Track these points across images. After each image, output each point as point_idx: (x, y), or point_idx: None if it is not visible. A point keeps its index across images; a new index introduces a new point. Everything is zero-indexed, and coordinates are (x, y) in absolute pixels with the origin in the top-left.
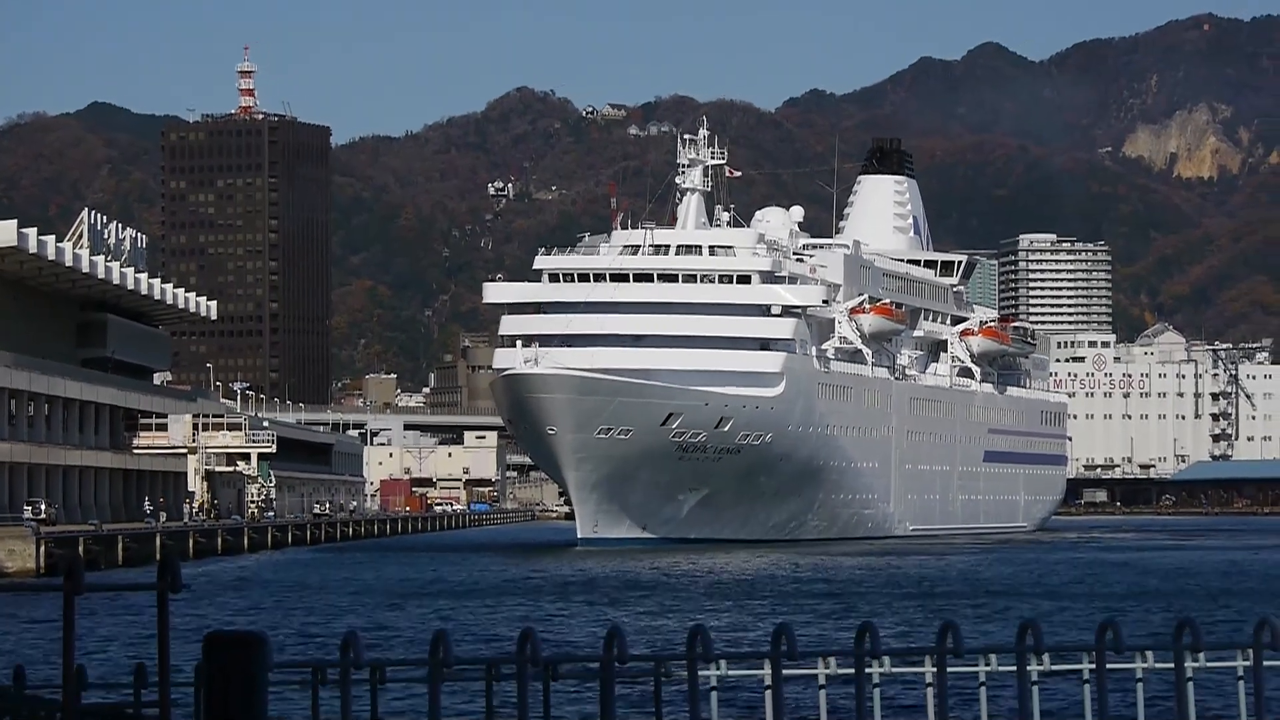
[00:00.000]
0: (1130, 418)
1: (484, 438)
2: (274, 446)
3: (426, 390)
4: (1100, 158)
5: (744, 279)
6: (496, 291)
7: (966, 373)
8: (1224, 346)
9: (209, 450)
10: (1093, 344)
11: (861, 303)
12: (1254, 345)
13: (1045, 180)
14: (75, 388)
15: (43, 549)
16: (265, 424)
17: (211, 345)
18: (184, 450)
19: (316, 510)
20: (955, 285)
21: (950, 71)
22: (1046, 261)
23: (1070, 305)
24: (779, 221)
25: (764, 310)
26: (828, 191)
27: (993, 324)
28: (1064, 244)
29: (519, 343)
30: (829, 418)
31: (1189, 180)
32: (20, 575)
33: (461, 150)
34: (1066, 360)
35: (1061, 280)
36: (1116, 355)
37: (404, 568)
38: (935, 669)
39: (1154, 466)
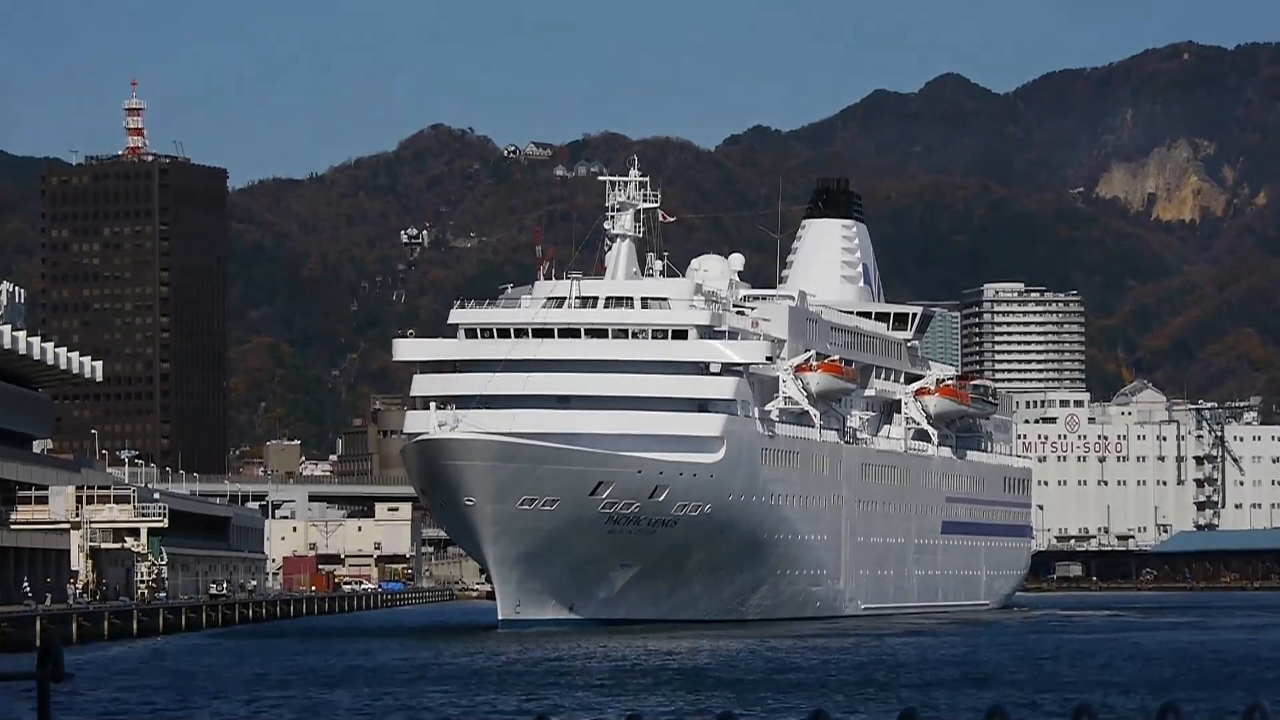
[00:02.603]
0: (1106, 484)
1: (397, 509)
2: (166, 520)
3: (333, 458)
4: (1071, 199)
5: (680, 334)
6: (408, 349)
7: (922, 435)
8: (1209, 406)
9: (94, 525)
10: (1064, 403)
11: (808, 360)
12: (1241, 404)
13: (1011, 224)
14: None
15: None
16: (156, 496)
17: (97, 409)
18: (66, 525)
19: (213, 590)
20: (910, 340)
21: (906, 105)
22: (1013, 313)
23: (1040, 361)
24: (718, 270)
25: (702, 368)
26: (771, 237)
27: (950, 382)
28: (1032, 294)
29: (433, 405)
30: (773, 486)
31: (1169, 223)
32: None
33: (371, 194)
34: (1036, 421)
35: (1030, 334)
36: (1091, 415)
37: (311, 654)
38: None
39: (1133, 537)
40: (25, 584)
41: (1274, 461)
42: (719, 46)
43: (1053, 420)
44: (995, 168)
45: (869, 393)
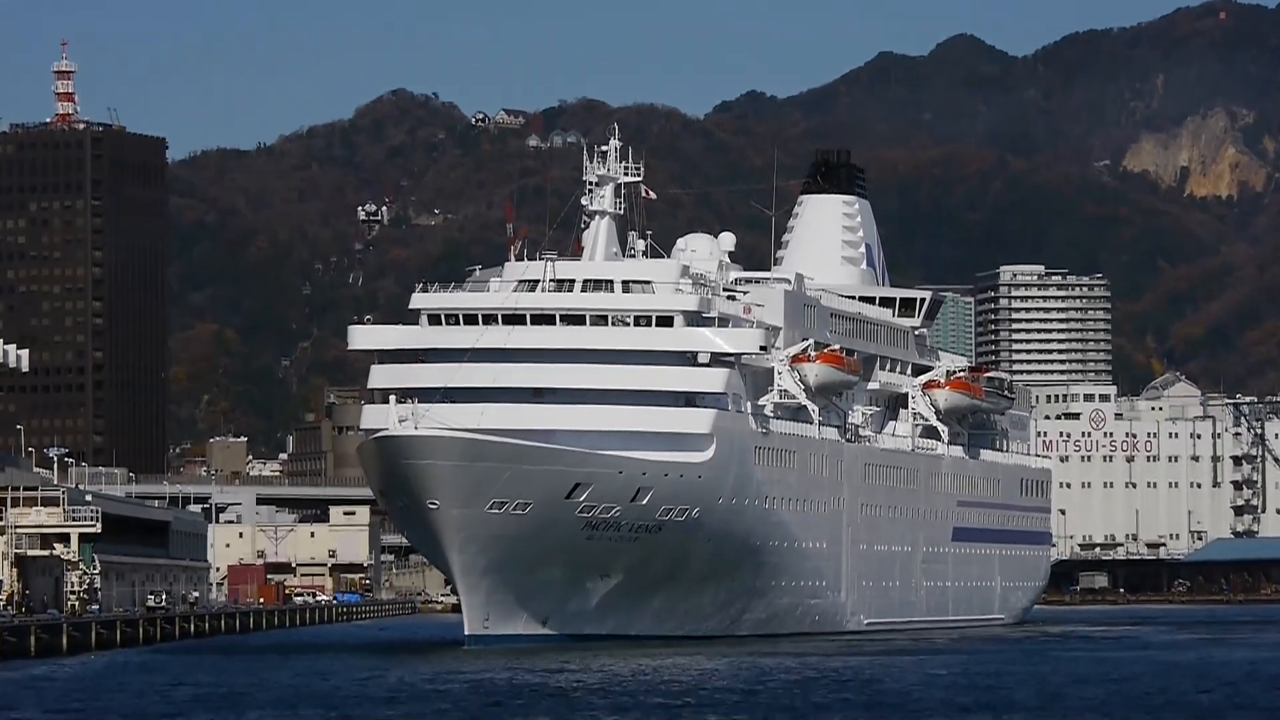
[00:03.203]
0: (1135, 487)
1: (354, 514)
2: (99, 525)
3: (284, 456)
4: (1097, 173)
5: (665, 320)
6: (365, 336)
7: (931, 433)
8: (1247, 400)
9: (19, 530)
10: (1089, 398)
11: (805, 349)
12: None
13: (1030, 200)
14: None
15: None
16: (88, 498)
17: (23, 402)
18: None
19: (151, 603)
20: (918, 327)
21: (915, 69)
22: (1032, 298)
23: (1061, 351)
24: (706, 251)
25: (689, 358)
26: (766, 215)
27: (962, 374)
28: (1053, 277)
29: (393, 398)
30: (768, 488)
31: (1204, 199)
32: None
33: (326, 166)
34: (1057, 417)
35: (1051, 321)
36: (1118, 411)
37: (258, 672)
38: None
39: (1164, 545)
40: None
41: None
42: (710, 4)
43: (1076, 416)
44: (1013, 138)
45: (873, 386)
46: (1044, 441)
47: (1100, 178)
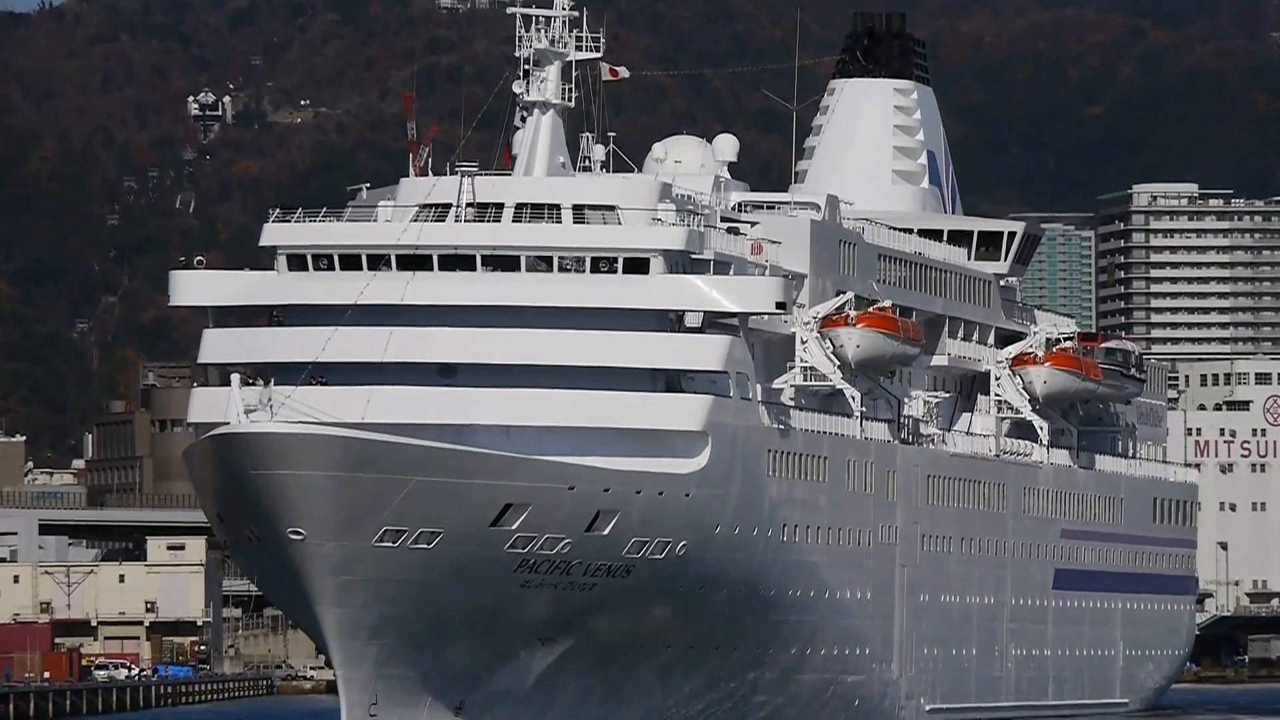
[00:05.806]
0: None
1: (182, 549)
2: None
3: (80, 464)
4: (1274, 48)
5: (636, 264)
6: (196, 286)
7: (1025, 430)
8: None
9: None
10: (1263, 379)
11: (842, 307)
12: None
13: (1176, 90)
14: None
15: None
16: None
17: None
18: None
19: None
20: (1006, 275)
21: None
22: (1180, 233)
23: (1222, 310)
24: (697, 161)
25: (672, 320)
26: (784, 108)
27: (1070, 344)
28: (1211, 201)
29: (235, 377)
30: (786, 511)
31: None
32: None
33: (142, 37)
34: (1216, 407)
35: (1207, 266)
36: None
37: None
38: None
39: None
40: None
41: None
42: None
43: (1243, 406)
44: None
45: (939, 361)
46: (1195, 443)
47: (1279, 57)
